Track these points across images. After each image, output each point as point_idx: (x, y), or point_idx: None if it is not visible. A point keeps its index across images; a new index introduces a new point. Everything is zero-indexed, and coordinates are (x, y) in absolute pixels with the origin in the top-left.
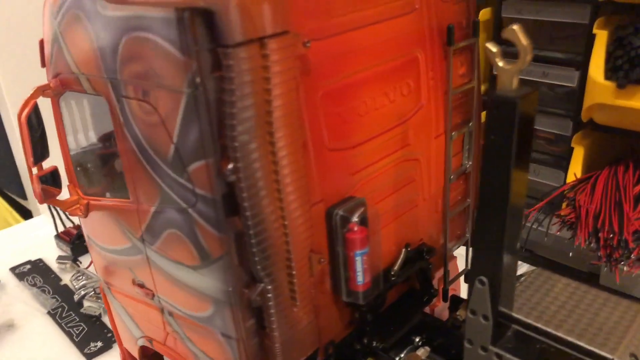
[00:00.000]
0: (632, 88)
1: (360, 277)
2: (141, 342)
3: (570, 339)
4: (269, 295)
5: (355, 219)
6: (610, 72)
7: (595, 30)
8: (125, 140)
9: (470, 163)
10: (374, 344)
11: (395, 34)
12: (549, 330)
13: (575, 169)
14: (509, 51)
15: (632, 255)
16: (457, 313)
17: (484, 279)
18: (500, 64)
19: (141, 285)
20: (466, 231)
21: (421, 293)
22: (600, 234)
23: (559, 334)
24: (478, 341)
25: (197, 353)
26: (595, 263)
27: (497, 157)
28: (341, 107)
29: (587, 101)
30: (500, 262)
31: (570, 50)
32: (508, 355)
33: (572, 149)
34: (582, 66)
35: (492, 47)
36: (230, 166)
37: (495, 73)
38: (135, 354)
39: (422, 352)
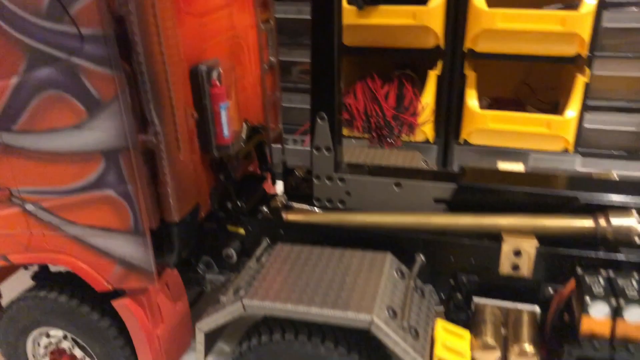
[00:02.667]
0: (368, 8)
1: (226, 131)
2: None
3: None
4: (161, 136)
5: (215, 75)
6: None
7: None
8: None
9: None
10: (241, 205)
11: None
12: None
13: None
14: None
15: (395, 132)
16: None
17: (323, 114)
18: None
19: None
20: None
21: (260, 177)
22: (371, 120)
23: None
24: (324, 173)
25: (80, 234)
26: (371, 145)
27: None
28: None
29: None
30: (333, 99)
31: None
32: (349, 177)
33: None
34: None
35: None
36: None
37: None
38: None
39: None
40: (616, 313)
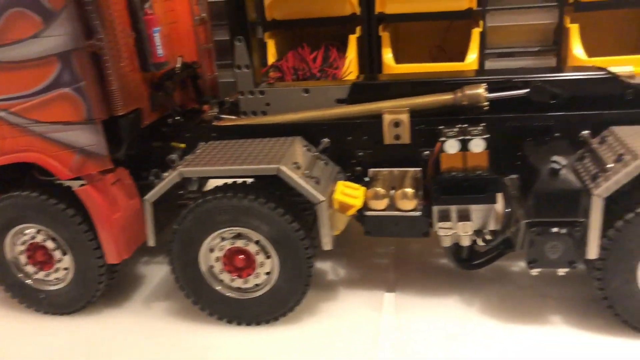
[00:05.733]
0: None
1: (160, 50)
2: None
3: None
4: (104, 42)
5: (147, 5)
6: None
7: None
8: None
9: None
10: (180, 120)
11: None
12: None
13: (272, 53)
14: None
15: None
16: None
17: (241, 37)
18: None
19: None
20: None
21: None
22: (299, 74)
23: None
24: (246, 88)
25: (44, 131)
26: None
27: None
28: None
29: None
30: (246, 25)
31: None
32: (267, 89)
33: (265, 43)
34: None
35: None
36: None
37: None
38: None
39: None
40: (464, 147)
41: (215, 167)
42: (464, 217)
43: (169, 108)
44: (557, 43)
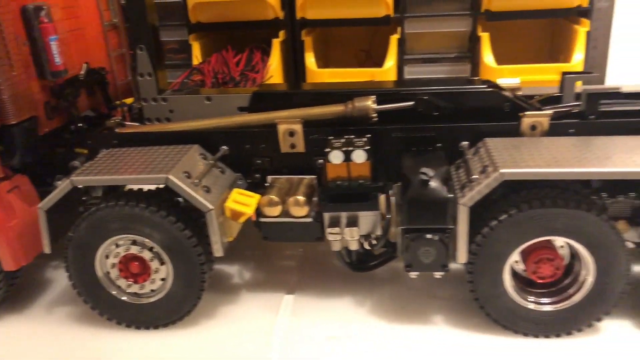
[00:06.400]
0: None
1: (58, 59)
2: None
3: None
4: None
5: (43, 13)
6: None
7: None
8: None
9: None
10: (82, 127)
11: None
12: None
13: (197, 55)
14: None
15: (240, 85)
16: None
17: (142, 46)
18: None
19: None
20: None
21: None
22: (218, 77)
23: None
24: (149, 95)
25: None
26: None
27: None
28: None
29: (190, 2)
30: (148, 34)
31: None
32: (170, 96)
33: (190, 45)
34: None
35: None
36: None
37: None
38: None
39: None
40: (347, 158)
41: (106, 177)
42: (352, 223)
43: (71, 115)
44: (471, 50)
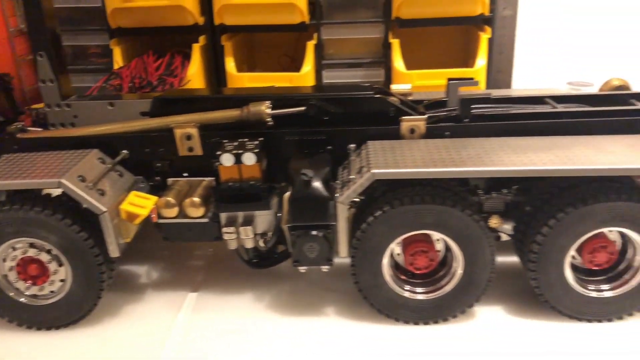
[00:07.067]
0: None
1: None
2: None
3: None
4: None
5: None
6: None
7: None
8: None
9: None
10: None
11: None
12: None
13: (117, 60)
14: None
15: (156, 89)
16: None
17: (42, 53)
18: None
19: None
20: None
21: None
22: (135, 81)
23: None
24: (52, 101)
25: None
26: None
27: None
28: None
29: (109, 6)
30: (47, 41)
31: None
32: (74, 102)
33: (112, 50)
34: None
35: None
36: None
37: None
38: None
39: None
40: (238, 160)
41: (6, 182)
42: (246, 222)
43: None
44: (385, 56)
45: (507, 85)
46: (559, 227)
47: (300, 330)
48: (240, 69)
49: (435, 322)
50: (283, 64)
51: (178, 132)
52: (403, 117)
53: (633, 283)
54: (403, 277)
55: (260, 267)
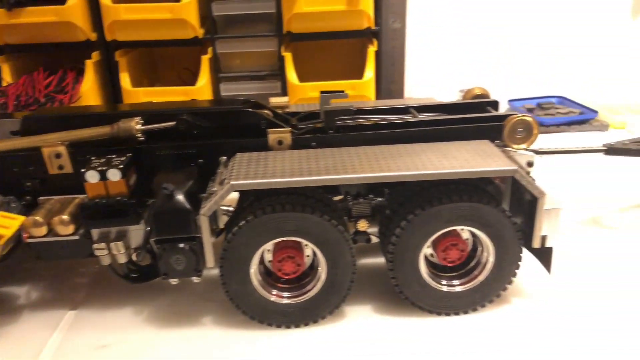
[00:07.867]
0: (17, 10)
1: None
2: None
3: None
4: None
5: None
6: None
7: None
8: None
9: None
10: None
11: None
12: None
13: (6, 77)
14: None
15: (46, 106)
16: None
17: None
18: None
19: None
20: None
21: None
22: (21, 99)
23: None
24: None
25: None
26: None
27: None
28: None
29: None
30: None
31: None
32: None
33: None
34: None
35: None
36: None
37: None
38: None
39: None
40: (103, 176)
41: None
42: (117, 238)
43: None
44: (281, 69)
45: (400, 94)
46: (409, 227)
47: (179, 339)
48: (140, 83)
49: (306, 324)
50: (184, 78)
51: (46, 151)
52: (270, 129)
53: (481, 278)
54: (277, 283)
55: (140, 282)
